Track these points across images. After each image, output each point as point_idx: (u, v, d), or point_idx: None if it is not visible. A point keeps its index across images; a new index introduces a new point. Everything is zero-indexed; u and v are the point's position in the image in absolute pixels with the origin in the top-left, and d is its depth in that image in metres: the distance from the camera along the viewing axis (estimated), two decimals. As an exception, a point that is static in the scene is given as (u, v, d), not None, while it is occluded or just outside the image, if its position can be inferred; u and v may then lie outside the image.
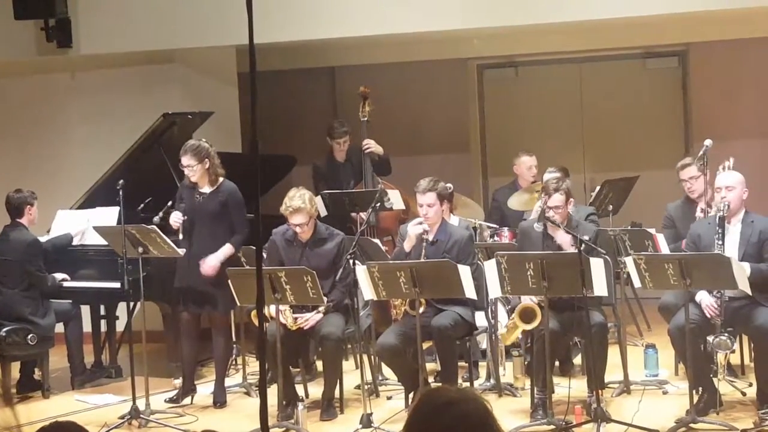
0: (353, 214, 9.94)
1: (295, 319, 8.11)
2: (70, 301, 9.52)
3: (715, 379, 7.68)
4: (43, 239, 9.66)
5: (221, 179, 8.56)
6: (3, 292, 9.06)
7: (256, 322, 7.88)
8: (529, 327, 7.71)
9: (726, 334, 7.39)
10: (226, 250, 8.46)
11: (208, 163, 8.46)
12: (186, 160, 8.44)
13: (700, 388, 7.51)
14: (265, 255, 8.35)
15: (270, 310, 7.85)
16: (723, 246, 7.50)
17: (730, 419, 7.47)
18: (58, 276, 9.29)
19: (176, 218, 8.45)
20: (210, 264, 8.43)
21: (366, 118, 10.41)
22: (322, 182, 10.39)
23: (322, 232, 8.37)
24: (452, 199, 8.52)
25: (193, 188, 8.58)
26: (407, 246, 8.04)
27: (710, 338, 7.44)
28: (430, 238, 8.08)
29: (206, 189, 8.55)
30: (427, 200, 8.05)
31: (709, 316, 7.46)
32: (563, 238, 7.79)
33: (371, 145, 10.37)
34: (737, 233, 7.66)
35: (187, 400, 8.71)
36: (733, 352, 8.32)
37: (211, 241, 8.49)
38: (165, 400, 8.60)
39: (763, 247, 7.59)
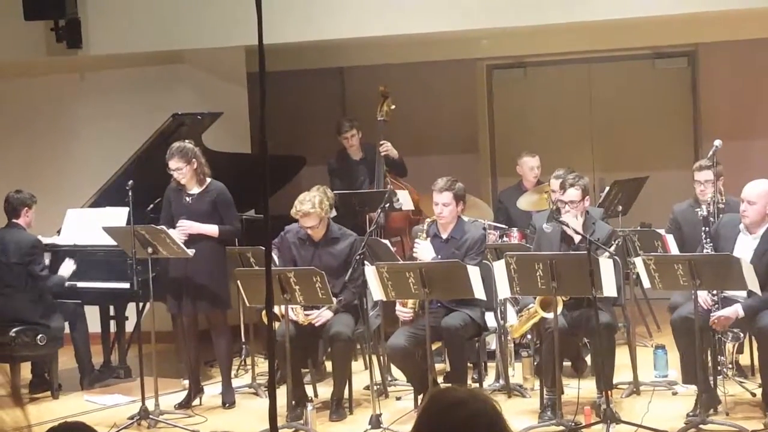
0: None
1: (306, 315, 8.12)
2: (78, 301, 9.52)
3: (721, 382, 7.70)
4: (52, 240, 9.68)
5: (209, 179, 8.55)
6: (6, 295, 9.03)
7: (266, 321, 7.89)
8: (548, 315, 7.66)
9: (731, 331, 7.46)
10: (210, 228, 8.45)
11: (196, 163, 8.46)
12: (174, 163, 8.42)
13: (697, 388, 7.50)
14: (276, 252, 8.37)
15: (281, 307, 7.86)
16: (710, 245, 7.56)
17: (739, 420, 7.46)
18: (65, 268, 9.24)
19: (180, 233, 8.44)
20: (191, 225, 8.44)
21: (383, 118, 10.40)
22: (336, 180, 10.40)
23: (335, 231, 8.39)
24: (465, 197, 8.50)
25: (180, 191, 8.57)
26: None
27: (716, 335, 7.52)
28: (444, 236, 8.11)
29: (195, 190, 8.54)
30: (443, 199, 8.07)
31: (705, 308, 7.48)
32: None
33: (388, 148, 10.37)
34: (752, 248, 7.57)
35: (195, 402, 8.70)
36: (741, 351, 8.34)
37: (203, 242, 8.49)
38: (174, 407, 8.58)
39: None
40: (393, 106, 10.43)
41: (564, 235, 7.91)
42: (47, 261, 9.34)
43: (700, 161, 8.87)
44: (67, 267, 9.29)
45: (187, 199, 8.53)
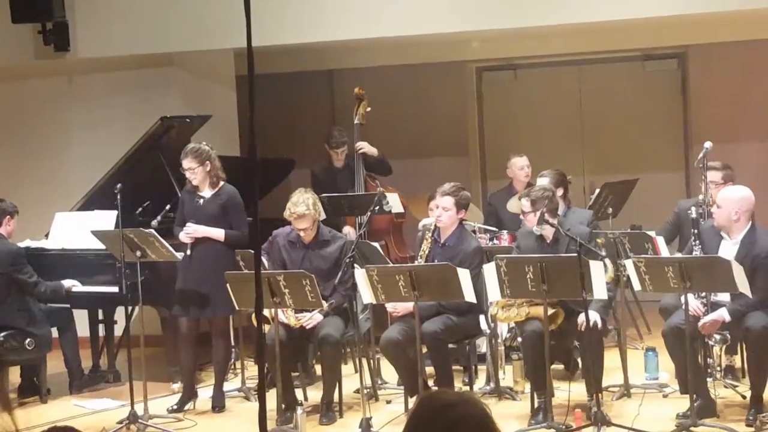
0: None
1: (297, 318, 8.11)
2: (67, 305, 9.48)
3: (711, 385, 7.70)
4: (40, 243, 9.65)
5: (222, 183, 8.55)
6: None
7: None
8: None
9: (718, 334, 7.47)
10: (217, 231, 8.45)
11: (209, 166, 8.46)
12: (187, 162, 8.45)
13: (694, 394, 7.48)
14: (265, 257, 8.35)
15: (271, 311, 7.84)
16: (698, 247, 7.59)
17: (730, 422, 7.46)
18: (67, 283, 9.23)
19: (186, 237, 8.43)
20: (196, 228, 8.44)
21: (359, 121, 10.32)
22: (319, 188, 10.35)
23: (325, 234, 8.39)
24: (468, 206, 8.48)
25: (193, 192, 8.57)
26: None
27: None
28: (441, 241, 8.12)
29: (207, 192, 8.54)
30: (444, 203, 8.10)
31: (696, 315, 7.48)
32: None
33: (364, 147, 10.32)
34: (733, 253, 7.55)
35: (188, 406, 8.67)
36: (736, 352, 8.33)
37: (212, 244, 8.47)
38: (167, 410, 8.55)
39: (754, 273, 7.42)
40: (369, 109, 10.34)
41: (539, 238, 7.93)
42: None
43: (714, 163, 8.70)
44: (70, 282, 9.24)
45: (199, 201, 8.54)
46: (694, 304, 7.54)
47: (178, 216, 8.67)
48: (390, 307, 8.06)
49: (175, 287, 8.61)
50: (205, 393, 8.88)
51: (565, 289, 7.41)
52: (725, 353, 8.55)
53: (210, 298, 8.47)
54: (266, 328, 7.93)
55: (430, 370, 8.71)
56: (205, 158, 8.45)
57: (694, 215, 7.78)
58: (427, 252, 8.14)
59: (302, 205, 8.14)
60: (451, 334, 8.03)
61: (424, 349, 8.00)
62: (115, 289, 9.06)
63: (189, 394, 8.70)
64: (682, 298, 7.40)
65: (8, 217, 9.11)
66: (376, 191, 9.41)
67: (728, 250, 7.60)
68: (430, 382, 8.35)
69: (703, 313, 7.52)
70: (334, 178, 10.45)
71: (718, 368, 8.36)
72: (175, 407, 8.61)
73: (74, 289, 9.24)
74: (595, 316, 7.61)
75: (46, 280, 9.12)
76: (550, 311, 7.64)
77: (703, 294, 7.55)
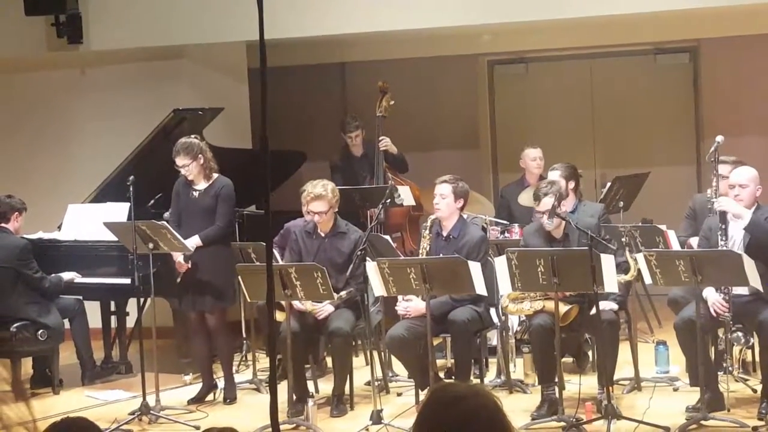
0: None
1: (313, 304, 8.12)
2: (79, 297, 9.51)
3: (723, 379, 7.69)
4: (53, 235, 9.68)
5: (215, 175, 8.54)
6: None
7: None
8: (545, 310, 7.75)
9: (740, 331, 7.43)
10: (192, 241, 8.39)
11: (202, 159, 8.45)
12: (180, 160, 8.43)
13: (704, 387, 7.47)
14: (277, 251, 8.37)
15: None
16: (726, 241, 7.54)
17: (741, 416, 7.45)
18: (67, 275, 9.26)
19: (182, 259, 8.46)
20: (179, 261, 8.46)
21: (382, 114, 10.37)
22: (338, 177, 10.38)
23: (341, 226, 8.41)
24: (467, 198, 8.49)
25: (188, 185, 8.57)
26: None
27: (722, 334, 7.50)
28: (444, 233, 8.13)
29: (201, 185, 8.54)
30: (441, 191, 8.13)
31: (715, 314, 7.47)
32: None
33: (387, 143, 10.35)
34: (742, 227, 7.56)
35: (209, 397, 8.69)
36: (750, 347, 8.32)
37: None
38: (188, 402, 8.58)
39: None
40: (392, 102, 10.40)
41: (548, 235, 7.94)
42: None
43: (727, 157, 8.67)
44: (69, 275, 9.27)
45: (194, 193, 8.54)
46: (715, 298, 7.51)
47: (173, 209, 8.67)
48: (402, 309, 8.07)
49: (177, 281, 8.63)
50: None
51: (576, 282, 7.41)
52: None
53: (204, 292, 8.47)
54: (279, 316, 7.92)
55: (440, 362, 8.74)
56: (197, 152, 8.43)
57: (720, 207, 7.73)
58: (428, 248, 8.14)
59: (320, 187, 8.18)
60: (477, 325, 8.06)
61: (435, 341, 8.02)
62: (127, 280, 9.09)
63: (208, 386, 8.72)
64: (704, 293, 7.39)
65: (16, 213, 9.15)
66: (399, 183, 9.45)
67: (737, 227, 7.60)
68: (441, 375, 8.37)
69: (727, 309, 7.49)
70: (351, 167, 10.48)
71: (736, 366, 8.32)
72: (196, 398, 8.63)
73: (76, 281, 9.28)
74: (611, 305, 7.64)
75: (59, 272, 9.18)
76: (566, 308, 7.66)
77: (725, 288, 7.53)
